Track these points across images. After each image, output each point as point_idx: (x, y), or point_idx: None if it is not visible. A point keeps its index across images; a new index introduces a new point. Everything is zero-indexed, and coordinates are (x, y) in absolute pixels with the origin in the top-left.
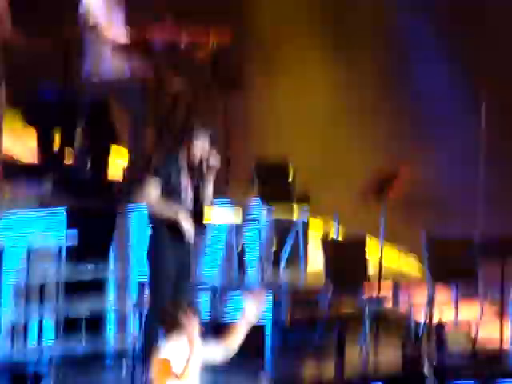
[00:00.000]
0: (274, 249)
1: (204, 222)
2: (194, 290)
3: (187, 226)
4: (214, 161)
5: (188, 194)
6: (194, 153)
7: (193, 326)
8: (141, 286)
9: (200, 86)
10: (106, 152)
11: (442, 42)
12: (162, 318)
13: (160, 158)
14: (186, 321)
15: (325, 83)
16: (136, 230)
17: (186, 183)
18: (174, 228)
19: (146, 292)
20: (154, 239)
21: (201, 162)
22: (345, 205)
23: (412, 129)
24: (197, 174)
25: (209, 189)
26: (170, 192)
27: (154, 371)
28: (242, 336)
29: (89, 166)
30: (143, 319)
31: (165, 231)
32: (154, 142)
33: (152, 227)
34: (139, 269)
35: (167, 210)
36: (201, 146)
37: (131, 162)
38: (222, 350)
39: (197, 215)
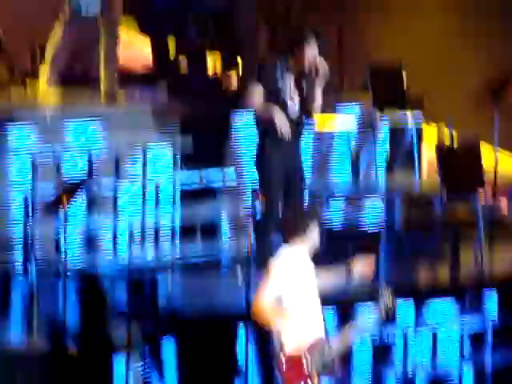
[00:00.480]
0: (388, 155)
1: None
2: (305, 193)
3: (280, 122)
4: (324, 69)
5: (293, 100)
6: (303, 58)
7: (313, 230)
8: (254, 193)
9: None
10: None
11: None
12: (282, 225)
13: (267, 62)
14: (306, 227)
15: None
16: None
17: (291, 88)
18: (276, 134)
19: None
20: (260, 146)
21: (310, 69)
22: (459, 111)
23: None
24: (305, 80)
25: (317, 96)
26: (273, 96)
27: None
28: None
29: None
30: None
31: (269, 137)
32: (268, 42)
33: (258, 134)
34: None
35: (265, 110)
36: (311, 53)
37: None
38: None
39: (302, 116)
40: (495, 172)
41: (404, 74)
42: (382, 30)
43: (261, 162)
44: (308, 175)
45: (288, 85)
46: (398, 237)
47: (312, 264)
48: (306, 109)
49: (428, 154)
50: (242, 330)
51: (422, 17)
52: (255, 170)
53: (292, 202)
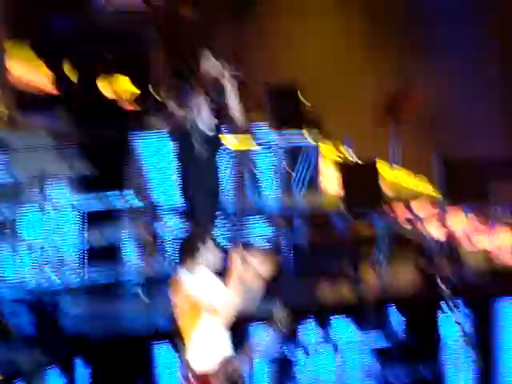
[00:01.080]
0: (287, 173)
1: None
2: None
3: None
4: (230, 78)
5: (202, 111)
6: (205, 71)
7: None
8: (159, 212)
9: (213, 9)
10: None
11: None
12: (182, 248)
13: (171, 82)
14: (206, 251)
15: (338, 6)
16: (151, 156)
17: (198, 100)
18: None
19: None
20: (181, 162)
21: (216, 80)
22: (356, 129)
23: (425, 51)
24: (214, 93)
25: (233, 101)
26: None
27: (180, 306)
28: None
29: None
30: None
31: (186, 155)
32: (164, 68)
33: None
34: (157, 196)
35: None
36: (213, 65)
37: (141, 88)
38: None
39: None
40: (393, 185)
41: (300, 93)
42: (277, 46)
43: (181, 181)
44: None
45: (198, 103)
46: (300, 254)
47: (215, 283)
48: (220, 125)
49: (326, 172)
50: (149, 351)
51: (317, 33)
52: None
53: (203, 221)
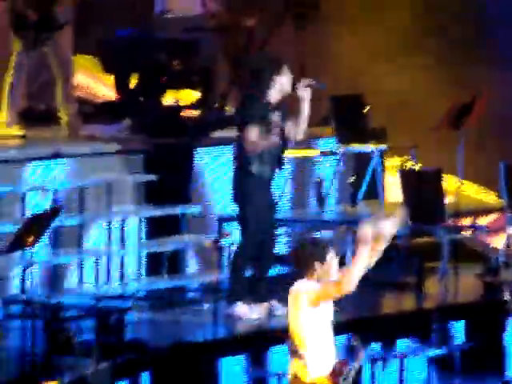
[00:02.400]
0: (352, 181)
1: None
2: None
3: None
4: (303, 90)
5: (276, 132)
6: (282, 89)
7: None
8: (220, 222)
9: (274, 20)
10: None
11: None
12: (298, 257)
13: (249, 103)
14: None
15: (398, 18)
16: (213, 167)
17: (276, 120)
18: (259, 166)
19: (228, 228)
20: (242, 179)
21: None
22: (421, 140)
23: (490, 57)
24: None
25: (304, 113)
26: (263, 130)
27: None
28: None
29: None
30: (231, 255)
31: (251, 171)
32: (230, 80)
33: (238, 167)
34: (218, 205)
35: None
36: (286, 80)
37: (205, 101)
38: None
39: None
40: (458, 194)
41: (367, 106)
42: (342, 62)
43: (242, 194)
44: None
45: (273, 117)
46: None
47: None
48: (287, 141)
49: (392, 186)
50: (215, 364)
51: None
52: (234, 203)
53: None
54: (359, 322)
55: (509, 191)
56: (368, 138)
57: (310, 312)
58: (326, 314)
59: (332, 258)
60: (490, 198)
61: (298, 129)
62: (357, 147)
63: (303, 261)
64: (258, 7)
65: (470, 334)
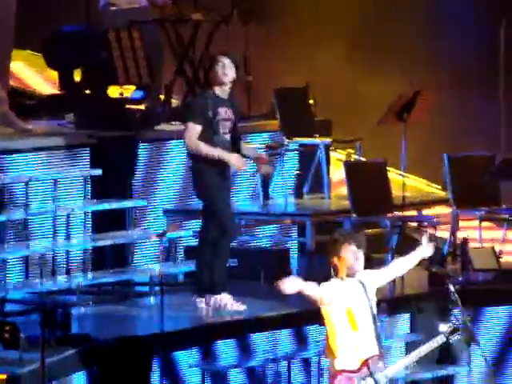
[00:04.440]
0: (297, 174)
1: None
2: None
3: (234, 162)
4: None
5: (226, 124)
6: (225, 79)
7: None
8: (166, 215)
9: (220, 17)
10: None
11: None
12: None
13: (193, 98)
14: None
15: (347, 8)
16: (159, 160)
17: (223, 113)
18: (218, 162)
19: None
20: (203, 175)
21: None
22: (367, 131)
23: (434, 52)
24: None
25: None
26: (209, 127)
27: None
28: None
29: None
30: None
31: (211, 167)
32: (174, 73)
33: (195, 164)
34: (166, 198)
35: (210, 152)
36: (230, 72)
37: (150, 93)
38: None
39: (236, 143)
40: (403, 185)
41: (311, 99)
42: (285, 56)
43: (205, 190)
44: None
45: (219, 111)
46: (308, 254)
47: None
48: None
49: (337, 178)
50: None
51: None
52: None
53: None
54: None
55: (452, 183)
56: (313, 132)
57: (328, 309)
58: (354, 309)
59: (349, 253)
60: (433, 189)
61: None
62: (302, 140)
63: (327, 256)
64: (205, 2)
65: (414, 326)
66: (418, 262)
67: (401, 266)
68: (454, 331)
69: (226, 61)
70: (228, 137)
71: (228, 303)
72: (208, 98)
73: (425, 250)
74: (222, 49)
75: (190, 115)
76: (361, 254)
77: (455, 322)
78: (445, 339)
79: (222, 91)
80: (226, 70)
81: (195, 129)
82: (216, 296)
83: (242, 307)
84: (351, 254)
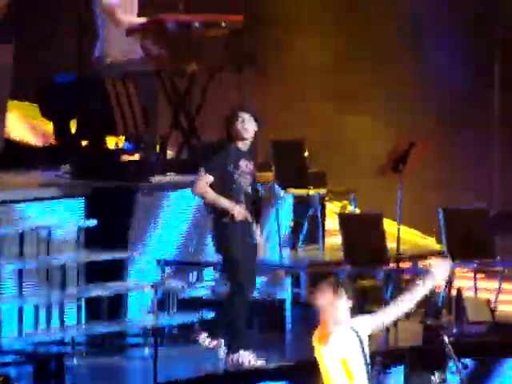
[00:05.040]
0: (292, 224)
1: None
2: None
3: (236, 212)
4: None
5: (247, 177)
6: (247, 134)
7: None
8: (161, 265)
9: (214, 66)
10: (120, 134)
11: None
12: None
13: (211, 152)
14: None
15: (338, 62)
16: (154, 211)
17: (243, 166)
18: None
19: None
20: (222, 227)
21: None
22: (361, 183)
23: (424, 104)
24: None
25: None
26: (229, 180)
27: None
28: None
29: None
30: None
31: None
32: (171, 124)
33: (214, 215)
34: (162, 249)
35: (216, 200)
36: (251, 126)
37: (145, 144)
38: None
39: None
40: (398, 238)
41: (306, 151)
42: (280, 108)
43: (225, 243)
44: None
45: (241, 164)
46: (303, 305)
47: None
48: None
49: (332, 230)
50: None
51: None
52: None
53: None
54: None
55: (447, 235)
56: (307, 183)
57: (324, 351)
58: (349, 360)
59: (332, 298)
60: (428, 242)
61: None
62: (296, 192)
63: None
64: (199, 53)
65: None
66: (419, 298)
67: (400, 306)
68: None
69: (246, 116)
70: (249, 189)
71: (249, 359)
72: (230, 153)
73: (428, 282)
74: (239, 103)
75: (207, 166)
76: (341, 302)
77: (442, 375)
78: None
79: (243, 144)
80: (246, 125)
81: (207, 178)
82: (239, 352)
83: (260, 361)
84: (328, 303)
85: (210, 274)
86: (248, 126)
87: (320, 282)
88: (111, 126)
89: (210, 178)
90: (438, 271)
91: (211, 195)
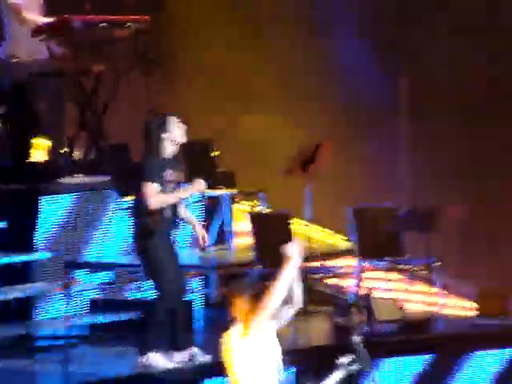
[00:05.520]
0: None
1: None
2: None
3: (196, 188)
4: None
5: (170, 186)
6: (177, 140)
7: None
8: (70, 268)
9: (121, 66)
10: (28, 136)
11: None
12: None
13: (150, 161)
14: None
15: (244, 60)
16: (60, 213)
17: (168, 176)
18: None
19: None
20: (144, 228)
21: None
22: (270, 183)
23: (337, 103)
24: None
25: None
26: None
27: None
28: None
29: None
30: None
31: (158, 224)
32: (77, 125)
33: (139, 221)
34: (69, 251)
35: (175, 198)
36: (178, 133)
37: (52, 146)
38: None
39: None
40: (308, 237)
41: (215, 151)
42: (188, 107)
43: (150, 248)
44: None
45: (165, 176)
46: (212, 305)
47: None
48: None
49: (241, 230)
50: None
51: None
52: (139, 256)
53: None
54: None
55: (357, 234)
56: (217, 183)
57: (242, 349)
58: (258, 361)
59: (244, 303)
60: (337, 241)
61: None
62: (206, 192)
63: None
64: (106, 53)
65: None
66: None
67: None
68: (353, 361)
69: (176, 121)
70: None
71: (159, 361)
72: (162, 160)
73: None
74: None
75: (148, 175)
76: (254, 303)
77: (351, 357)
78: (345, 371)
79: (168, 154)
80: (177, 131)
81: (155, 188)
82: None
83: (172, 363)
84: (246, 304)
85: (124, 275)
86: (179, 132)
87: (233, 284)
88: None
89: (156, 186)
90: (294, 252)
91: (168, 199)
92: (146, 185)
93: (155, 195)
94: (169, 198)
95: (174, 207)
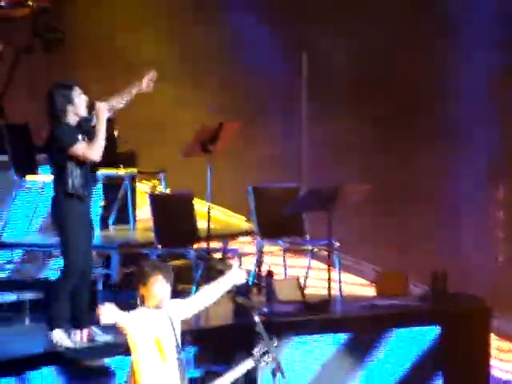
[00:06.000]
0: (102, 205)
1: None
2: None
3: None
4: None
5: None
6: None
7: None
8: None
9: (21, 46)
10: None
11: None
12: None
13: (62, 128)
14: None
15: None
16: None
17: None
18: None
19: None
20: (63, 208)
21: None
22: (172, 162)
23: (233, 83)
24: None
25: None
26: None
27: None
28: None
29: None
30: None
31: (71, 198)
32: None
33: (56, 196)
34: None
35: (101, 144)
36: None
37: None
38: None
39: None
40: (208, 216)
41: (116, 131)
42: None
43: (64, 223)
44: None
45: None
46: (113, 286)
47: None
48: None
49: (143, 209)
50: None
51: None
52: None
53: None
54: None
55: (257, 214)
56: (117, 163)
57: (134, 339)
58: (162, 340)
59: (156, 283)
60: (239, 221)
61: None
62: (106, 172)
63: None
64: (5, 32)
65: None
66: (228, 288)
67: (210, 294)
68: (262, 355)
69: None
70: None
71: (58, 338)
72: (71, 125)
73: (235, 275)
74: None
75: (68, 140)
76: (168, 286)
77: (264, 347)
78: (253, 363)
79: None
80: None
81: (83, 144)
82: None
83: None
84: (159, 285)
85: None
86: (82, 104)
87: (138, 265)
88: None
89: (83, 143)
90: (237, 274)
91: (100, 142)
92: (73, 148)
93: (89, 149)
94: (100, 141)
95: (88, 184)
